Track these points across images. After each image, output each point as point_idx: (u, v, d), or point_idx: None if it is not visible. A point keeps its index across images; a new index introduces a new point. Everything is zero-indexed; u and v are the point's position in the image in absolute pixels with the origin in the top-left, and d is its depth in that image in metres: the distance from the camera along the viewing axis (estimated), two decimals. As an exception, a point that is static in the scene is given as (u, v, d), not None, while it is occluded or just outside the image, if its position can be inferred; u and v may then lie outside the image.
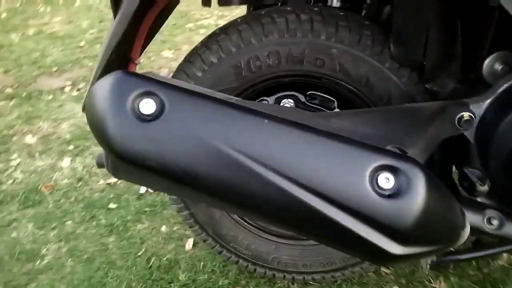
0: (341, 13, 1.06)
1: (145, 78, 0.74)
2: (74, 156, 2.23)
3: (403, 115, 0.90)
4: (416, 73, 1.04)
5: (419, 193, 0.68)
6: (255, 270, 1.36)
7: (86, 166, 2.14)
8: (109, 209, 1.84)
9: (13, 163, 2.22)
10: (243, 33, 1.07)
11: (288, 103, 1.17)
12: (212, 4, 1.22)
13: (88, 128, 0.87)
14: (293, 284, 1.41)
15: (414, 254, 0.73)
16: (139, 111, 0.71)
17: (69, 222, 1.79)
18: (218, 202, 0.77)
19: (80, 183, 2.02)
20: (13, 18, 4.60)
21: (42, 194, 1.96)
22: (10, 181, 2.08)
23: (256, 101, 1.17)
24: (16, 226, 1.80)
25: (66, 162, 2.19)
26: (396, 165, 0.69)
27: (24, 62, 3.45)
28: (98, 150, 2.13)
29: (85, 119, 0.92)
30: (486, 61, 0.99)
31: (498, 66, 0.98)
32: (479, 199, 0.96)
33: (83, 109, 0.92)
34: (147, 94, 0.72)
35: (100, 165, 0.99)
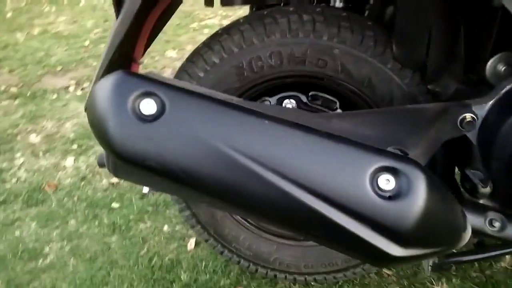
0: (343, 14, 1.06)
1: (146, 78, 0.74)
2: (77, 155, 2.24)
3: (405, 116, 0.90)
4: (418, 74, 1.04)
5: (419, 195, 0.68)
6: (256, 270, 1.36)
7: (90, 165, 2.14)
8: (112, 208, 1.84)
9: (17, 162, 2.23)
10: (245, 34, 1.06)
11: (290, 103, 1.17)
12: (215, 4, 1.22)
13: (91, 127, 0.87)
14: (294, 285, 1.41)
15: (415, 256, 0.73)
16: (140, 111, 0.71)
17: (72, 221, 1.80)
18: (218, 202, 0.77)
19: (83, 182, 2.03)
20: (19, 17, 4.62)
21: (46, 193, 1.97)
22: (14, 180, 2.09)
23: (258, 101, 1.16)
24: (19, 224, 1.80)
25: (69, 161, 2.19)
26: (397, 167, 0.69)
27: (29, 61, 3.47)
28: (102, 149, 2.13)
29: (89, 119, 0.93)
30: (489, 62, 0.98)
31: (501, 67, 0.98)
32: (481, 201, 0.95)
33: (86, 109, 0.92)
34: (148, 94, 0.72)
35: (101, 165, 0.99)
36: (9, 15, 4.75)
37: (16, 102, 2.85)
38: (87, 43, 3.79)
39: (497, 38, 0.96)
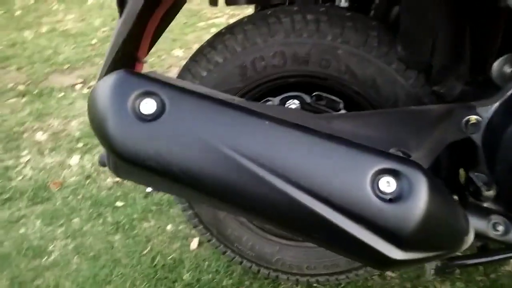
0: (348, 14, 1.05)
1: (147, 78, 0.74)
2: (83, 153, 2.25)
3: (408, 118, 0.89)
4: (423, 75, 1.03)
5: (421, 198, 0.67)
6: (259, 271, 1.36)
7: (95, 163, 2.15)
8: (116, 207, 1.85)
9: (23, 159, 2.24)
10: (248, 33, 1.06)
11: (293, 104, 1.16)
12: (221, 4, 1.22)
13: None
14: (297, 286, 1.41)
15: (415, 259, 0.72)
16: (140, 111, 0.71)
17: (76, 219, 1.80)
18: (217, 203, 0.77)
19: (88, 181, 2.04)
20: (27, 15, 4.65)
21: (51, 191, 1.98)
22: (20, 178, 2.10)
23: (261, 101, 1.16)
24: (24, 222, 1.81)
25: (75, 159, 2.20)
26: (398, 169, 0.68)
27: (36, 59, 3.48)
28: (107, 148, 2.13)
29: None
30: (495, 64, 0.97)
31: (508, 69, 0.96)
32: (485, 204, 0.94)
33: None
34: (148, 94, 0.72)
35: (103, 164, 0.99)
36: (17, 13, 4.77)
37: (23, 100, 2.86)
38: (94, 41, 3.80)
39: (504, 39, 0.94)
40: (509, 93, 0.91)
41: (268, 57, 1.06)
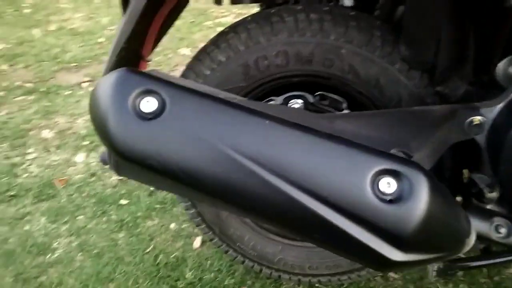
0: (352, 13, 1.04)
1: (147, 76, 0.74)
2: (88, 151, 2.26)
3: (410, 118, 0.88)
4: (426, 75, 1.02)
5: (421, 199, 0.66)
6: (261, 270, 1.35)
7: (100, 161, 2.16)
8: (120, 205, 1.85)
9: (29, 157, 2.25)
10: (252, 32, 1.06)
11: (296, 103, 1.15)
12: (227, 2, 1.22)
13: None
14: (299, 286, 1.40)
15: (415, 261, 0.71)
16: (140, 109, 0.71)
17: (80, 217, 1.81)
18: (217, 202, 0.77)
19: (93, 178, 2.04)
20: (36, 14, 4.68)
21: (56, 188, 1.99)
22: (26, 175, 2.11)
23: (264, 101, 1.16)
24: (29, 219, 1.82)
25: (80, 157, 2.21)
26: (398, 170, 0.67)
27: (44, 57, 3.50)
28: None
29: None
30: (500, 64, 0.96)
31: (513, 70, 0.96)
32: (488, 206, 0.93)
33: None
34: (149, 92, 0.72)
35: (104, 162, 0.99)
36: (26, 11, 4.81)
37: (31, 97, 2.88)
38: (102, 39, 3.81)
39: (509, 39, 0.93)
40: (513, 94, 0.90)
41: (271, 56, 1.05)
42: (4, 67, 3.36)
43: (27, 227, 1.78)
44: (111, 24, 4.17)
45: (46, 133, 2.45)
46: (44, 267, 1.58)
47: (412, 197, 0.66)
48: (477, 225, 0.85)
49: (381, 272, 1.34)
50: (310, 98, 1.16)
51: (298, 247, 1.29)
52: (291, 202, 0.68)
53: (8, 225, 1.79)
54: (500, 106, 0.90)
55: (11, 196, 1.96)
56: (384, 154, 0.70)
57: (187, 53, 3.42)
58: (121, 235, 1.69)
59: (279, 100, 1.16)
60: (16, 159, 2.23)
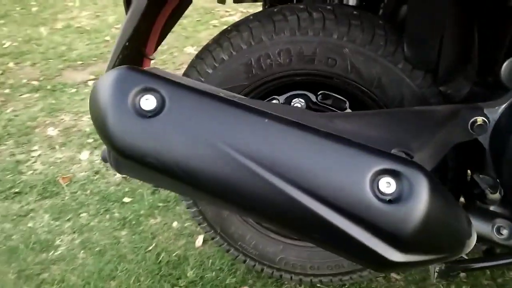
0: (355, 12, 1.03)
1: (147, 74, 0.74)
2: (93, 149, 2.26)
3: (412, 118, 0.87)
4: (430, 75, 1.01)
5: (421, 199, 0.66)
6: (262, 270, 1.35)
7: (104, 159, 2.16)
8: (123, 203, 1.85)
9: (34, 154, 2.26)
10: (254, 31, 1.05)
11: (298, 102, 1.15)
12: (230, 1, 1.22)
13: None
14: (300, 286, 1.40)
15: (415, 262, 0.71)
16: (140, 107, 0.71)
17: (84, 214, 1.81)
18: (217, 200, 0.76)
19: (97, 176, 2.05)
20: (43, 12, 4.70)
21: (60, 186, 2.00)
22: (30, 172, 2.12)
23: (267, 99, 1.15)
24: (33, 216, 1.83)
25: (84, 154, 2.22)
26: (398, 170, 0.67)
27: (50, 55, 3.52)
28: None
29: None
30: (505, 64, 0.95)
31: (517, 70, 0.94)
32: (491, 208, 0.92)
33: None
34: (148, 90, 0.72)
35: (104, 160, 1.00)
36: (34, 9, 4.83)
37: (36, 95, 2.89)
38: (108, 38, 3.82)
39: (513, 39, 0.92)
40: (517, 95, 0.89)
41: (273, 55, 1.05)
42: (11, 64, 3.38)
43: (30, 224, 1.78)
44: (118, 23, 4.17)
45: (51, 131, 2.46)
46: (47, 264, 1.58)
47: (411, 197, 0.66)
48: (479, 227, 0.85)
49: (381, 272, 1.33)
50: (313, 97, 1.16)
51: (299, 247, 1.29)
52: (290, 201, 0.68)
53: (12, 222, 1.79)
54: (504, 106, 0.89)
55: (16, 193, 1.97)
56: (384, 154, 0.69)
57: (193, 51, 3.42)
58: (123, 233, 1.70)
59: (281, 99, 1.16)
60: (21, 156, 2.24)
